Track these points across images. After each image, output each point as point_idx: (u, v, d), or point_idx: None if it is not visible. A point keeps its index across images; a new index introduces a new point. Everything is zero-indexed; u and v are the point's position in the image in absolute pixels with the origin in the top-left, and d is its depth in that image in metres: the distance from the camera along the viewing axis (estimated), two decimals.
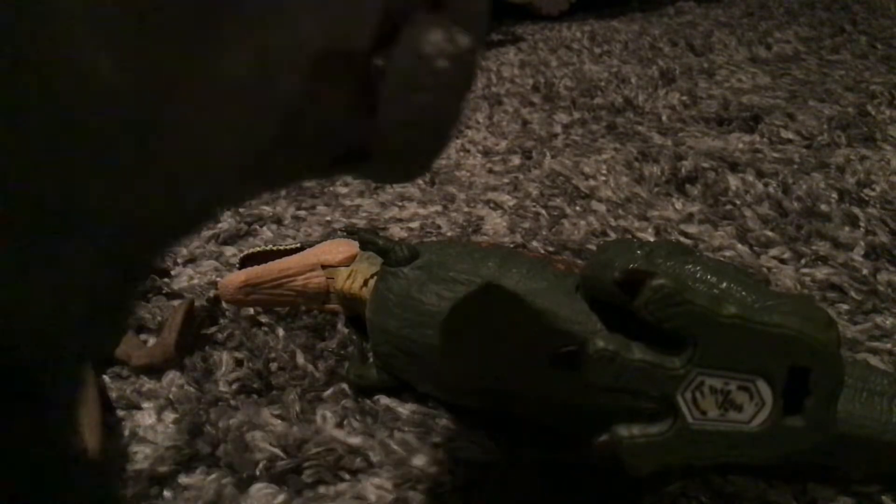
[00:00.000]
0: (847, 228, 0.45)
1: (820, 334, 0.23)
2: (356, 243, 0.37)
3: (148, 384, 0.35)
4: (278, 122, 0.13)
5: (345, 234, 0.48)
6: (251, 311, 0.40)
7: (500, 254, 0.32)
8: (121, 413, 0.33)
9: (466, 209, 0.51)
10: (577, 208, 0.50)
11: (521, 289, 0.29)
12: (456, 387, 0.31)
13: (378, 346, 0.33)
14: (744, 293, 0.24)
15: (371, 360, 0.34)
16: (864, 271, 0.40)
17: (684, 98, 0.72)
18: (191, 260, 0.46)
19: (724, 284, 0.24)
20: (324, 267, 0.37)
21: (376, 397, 0.33)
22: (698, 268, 0.25)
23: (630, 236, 0.46)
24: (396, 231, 0.49)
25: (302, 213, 0.52)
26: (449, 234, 0.48)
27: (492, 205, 0.51)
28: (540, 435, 0.30)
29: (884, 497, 0.27)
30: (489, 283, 0.30)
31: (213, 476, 0.29)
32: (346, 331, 0.38)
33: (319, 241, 0.40)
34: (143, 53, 0.10)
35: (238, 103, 0.12)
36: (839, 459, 0.28)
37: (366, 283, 0.35)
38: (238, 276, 0.38)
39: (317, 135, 0.14)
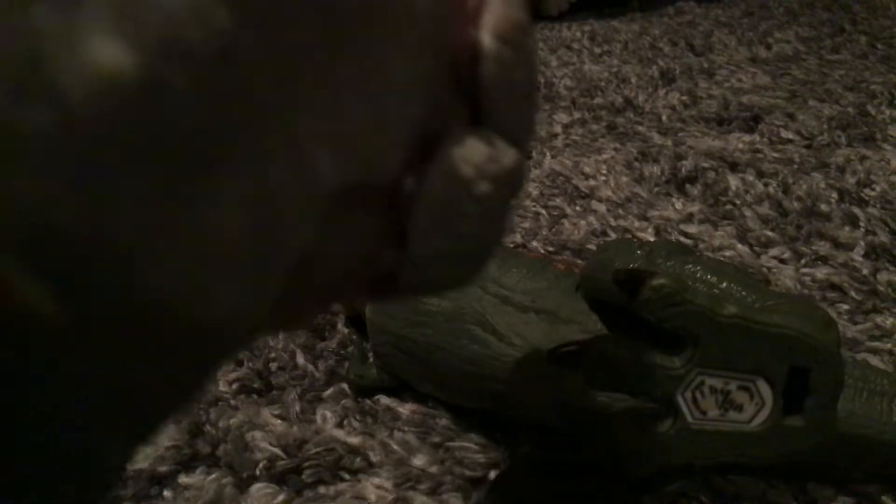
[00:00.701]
0: (847, 228, 0.45)
1: (820, 335, 0.23)
2: None
3: None
4: (286, 273, 0.11)
5: None
6: None
7: (499, 253, 0.32)
8: None
9: None
10: (577, 208, 0.50)
11: (520, 288, 0.29)
12: (456, 387, 0.31)
13: (378, 346, 0.33)
14: (744, 293, 0.24)
15: (371, 360, 0.34)
16: (865, 271, 0.40)
17: (684, 98, 0.72)
18: None
19: (724, 284, 0.24)
20: None
21: (376, 397, 0.33)
22: (698, 267, 0.25)
23: (630, 236, 0.46)
24: None
25: None
26: None
27: None
28: (540, 435, 0.30)
29: (884, 497, 0.27)
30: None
31: (213, 476, 0.29)
32: (346, 331, 0.38)
33: None
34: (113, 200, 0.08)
35: (236, 259, 0.09)
36: (839, 459, 0.28)
37: None
38: None
39: (337, 275, 0.12)
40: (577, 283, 0.29)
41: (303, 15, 0.09)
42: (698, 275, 0.25)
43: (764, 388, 0.23)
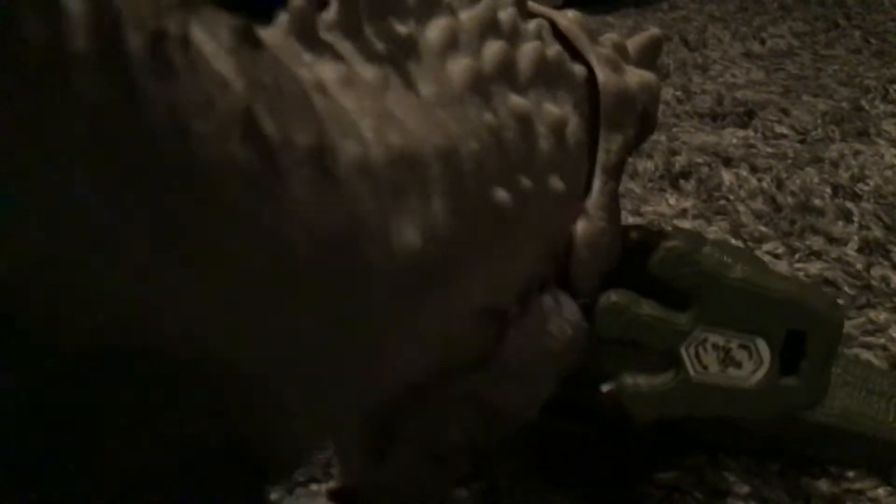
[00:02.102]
0: (841, 223, 0.45)
1: (817, 301, 0.24)
2: None
3: None
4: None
5: None
6: None
7: None
8: None
9: None
10: None
11: None
12: None
13: None
14: (749, 266, 0.26)
15: None
16: (858, 266, 0.40)
17: (678, 93, 0.71)
18: None
19: (732, 258, 0.26)
20: None
21: None
22: (708, 244, 0.26)
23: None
24: None
25: None
26: None
27: None
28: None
29: (879, 490, 0.27)
30: None
31: None
32: None
33: None
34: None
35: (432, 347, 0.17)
36: (833, 454, 0.28)
37: None
38: None
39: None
40: None
41: (489, 226, 0.18)
42: (709, 245, 0.26)
43: (763, 348, 0.24)
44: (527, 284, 0.20)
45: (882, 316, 0.36)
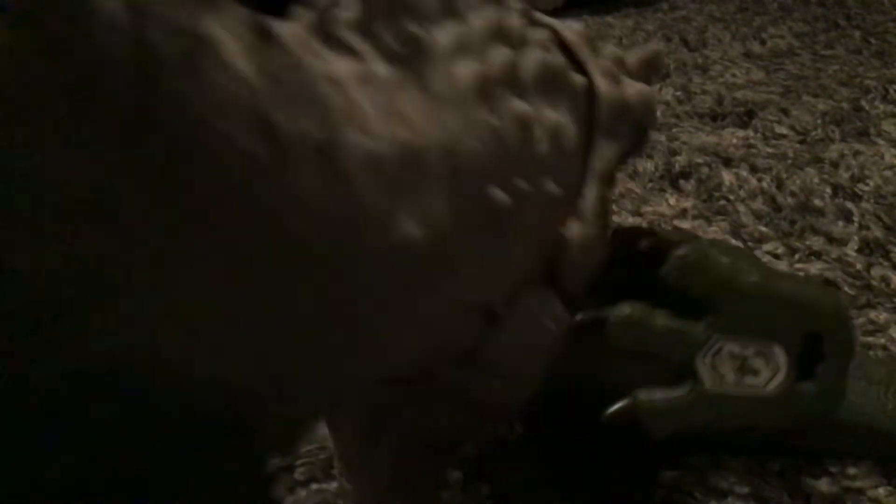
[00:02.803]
0: (841, 223, 0.45)
1: (832, 302, 0.24)
2: None
3: None
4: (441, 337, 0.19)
5: None
6: None
7: None
8: None
9: None
10: None
11: None
12: None
13: None
14: (757, 268, 0.25)
15: None
16: (858, 266, 0.40)
17: (678, 93, 0.71)
18: None
19: (740, 263, 0.25)
20: None
21: None
22: (715, 248, 0.26)
23: None
24: None
25: None
26: None
27: None
28: (527, 415, 0.30)
29: (880, 490, 0.27)
30: None
31: None
32: None
33: None
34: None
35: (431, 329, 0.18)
36: (834, 445, 0.28)
37: None
38: None
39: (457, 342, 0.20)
40: None
41: (485, 224, 0.18)
42: (716, 250, 0.26)
43: (780, 354, 0.24)
44: (517, 283, 0.21)
45: (882, 316, 0.36)
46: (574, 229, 0.22)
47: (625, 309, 0.24)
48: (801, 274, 0.40)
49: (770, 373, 0.24)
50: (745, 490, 0.27)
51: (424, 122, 0.17)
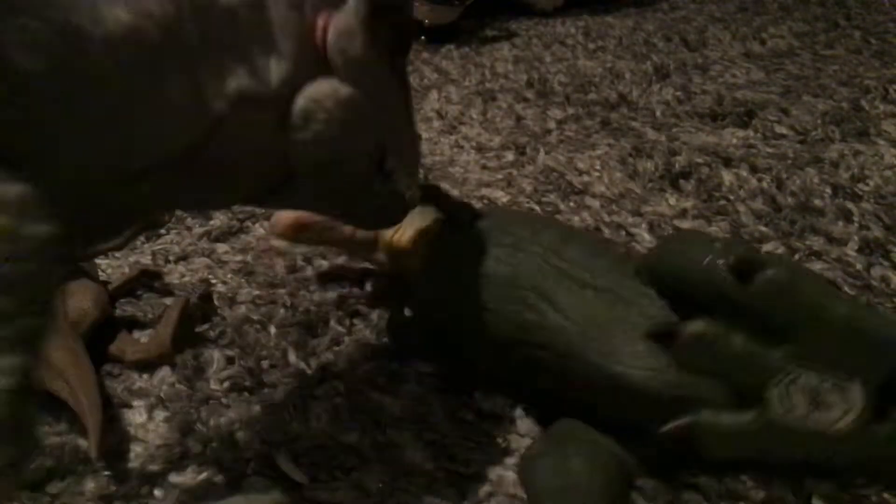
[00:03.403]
0: (841, 223, 0.45)
1: None
2: None
3: (139, 382, 0.34)
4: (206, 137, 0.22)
5: None
6: (243, 309, 0.40)
7: (560, 226, 0.32)
8: (111, 412, 0.33)
9: None
10: (571, 204, 0.50)
11: (580, 264, 0.29)
12: (499, 352, 0.31)
13: (425, 304, 0.33)
14: (843, 299, 0.24)
15: (411, 319, 0.34)
16: (858, 266, 0.40)
17: (678, 93, 0.71)
18: (182, 258, 0.45)
19: (828, 291, 0.24)
20: None
21: (368, 393, 0.33)
22: (799, 272, 0.25)
23: (624, 232, 0.46)
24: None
25: None
26: None
27: (485, 200, 0.51)
28: (543, 412, 0.30)
29: (885, 494, 0.27)
30: None
31: (204, 475, 0.29)
32: (339, 328, 0.38)
33: None
34: None
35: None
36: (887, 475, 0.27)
37: (414, 238, 0.34)
38: (290, 214, 0.38)
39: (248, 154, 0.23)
40: (636, 268, 0.28)
41: (216, 19, 0.22)
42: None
43: (857, 391, 0.23)
44: (289, 77, 0.23)
45: None
46: (335, 20, 0.24)
47: (699, 325, 0.23)
48: None
49: (842, 410, 0.23)
50: (751, 487, 0.27)
51: None
